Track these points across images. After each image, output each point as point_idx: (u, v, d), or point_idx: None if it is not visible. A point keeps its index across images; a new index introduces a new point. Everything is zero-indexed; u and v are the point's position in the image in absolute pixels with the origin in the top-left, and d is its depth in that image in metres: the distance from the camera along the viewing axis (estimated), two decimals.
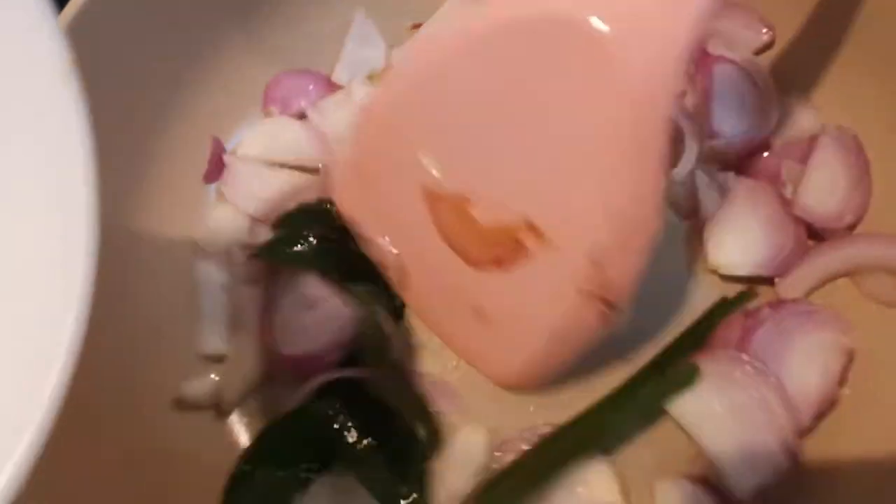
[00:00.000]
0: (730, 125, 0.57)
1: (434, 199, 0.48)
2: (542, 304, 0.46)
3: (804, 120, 0.59)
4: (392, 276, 0.53)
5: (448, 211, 0.48)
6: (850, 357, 0.51)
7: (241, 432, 0.55)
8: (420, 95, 0.47)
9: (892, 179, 0.54)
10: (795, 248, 0.54)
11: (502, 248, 0.46)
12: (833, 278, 0.54)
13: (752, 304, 0.54)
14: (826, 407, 0.50)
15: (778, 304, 0.53)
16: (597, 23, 0.39)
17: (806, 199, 0.55)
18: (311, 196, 0.59)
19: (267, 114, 0.64)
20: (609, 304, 0.44)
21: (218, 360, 0.56)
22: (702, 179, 0.56)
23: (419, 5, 0.65)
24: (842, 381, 0.51)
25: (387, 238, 0.52)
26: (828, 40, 0.57)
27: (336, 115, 0.62)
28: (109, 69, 0.52)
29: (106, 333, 0.50)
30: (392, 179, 0.50)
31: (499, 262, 0.46)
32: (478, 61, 0.44)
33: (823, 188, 0.55)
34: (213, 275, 0.58)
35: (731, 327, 0.52)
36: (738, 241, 0.54)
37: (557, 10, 0.40)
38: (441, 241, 0.48)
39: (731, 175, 0.57)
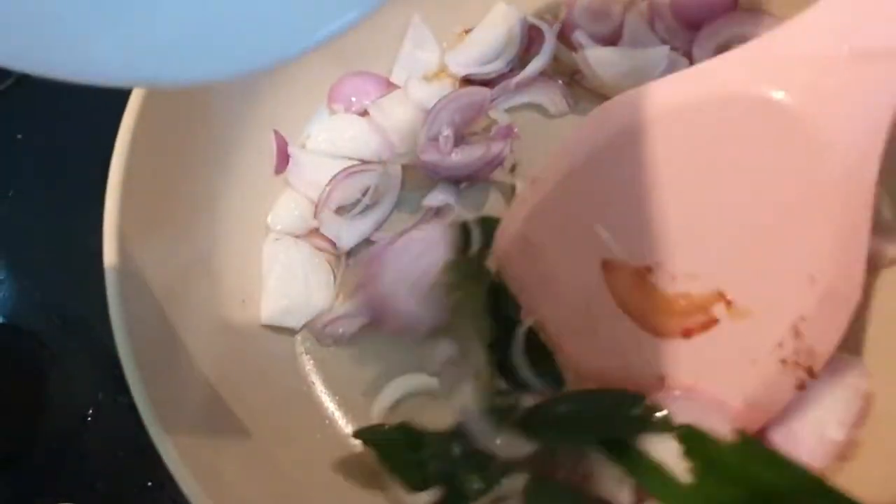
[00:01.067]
0: None
1: (613, 269, 0.47)
2: (736, 372, 0.44)
3: None
4: (557, 348, 0.52)
5: (629, 282, 0.46)
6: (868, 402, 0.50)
7: None
8: (598, 168, 0.46)
9: None
10: None
11: (692, 318, 0.45)
12: None
13: None
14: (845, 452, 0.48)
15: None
16: (785, 99, 0.39)
17: None
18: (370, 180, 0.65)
19: (332, 111, 0.71)
20: (809, 372, 0.42)
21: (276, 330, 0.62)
22: None
23: (470, 12, 0.72)
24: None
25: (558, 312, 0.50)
26: None
27: (394, 112, 0.68)
28: None
29: (191, 299, 0.57)
30: (565, 251, 0.49)
31: (687, 332, 0.45)
32: (661, 136, 0.44)
33: None
34: (278, 254, 0.64)
35: None
36: None
37: (742, 88, 0.40)
38: (619, 311, 0.47)
39: None
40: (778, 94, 0.40)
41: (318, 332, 0.61)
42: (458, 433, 0.54)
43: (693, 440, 0.45)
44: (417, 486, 0.51)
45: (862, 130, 0.38)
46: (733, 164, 0.42)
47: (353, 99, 0.70)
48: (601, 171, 0.46)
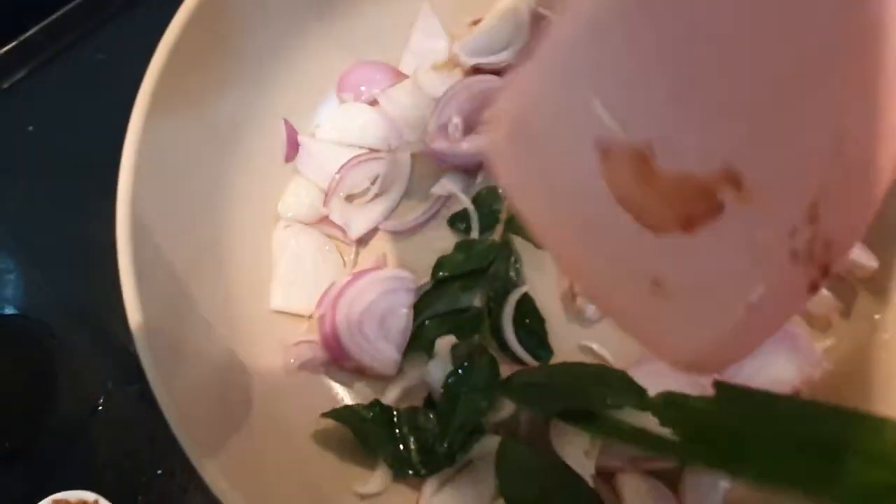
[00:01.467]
0: None
1: (609, 154, 0.40)
2: (740, 271, 0.37)
3: None
4: (551, 246, 0.47)
5: (625, 167, 0.40)
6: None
7: None
8: (596, 38, 0.40)
9: None
10: None
11: (691, 206, 0.38)
12: None
13: None
14: None
15: None
16: None
17: None
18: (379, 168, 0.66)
19: (341, 100, 0.71)
20: (823, 269, 0.36)
21: (285, 316, 0.62)
22: None
23: (479, 2, 0.72)
24: None
25: (549, 202, 0.45)
26: None
27: (403, 101, 0.69)
28: (210, 62, 0.60)
29: (202, 285, 0.57)
30: (557, 133, 0.42)
31: (686, 224, 0.38)
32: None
33: None
34: (287, 240, 0.64)
35: None
36: None
37: None
38: (614, 203, 0.41)
39: None
40: None
41: (290, 352, 0.60)
42: (427, 406, 0.56)
43: (671, 406, 0.45)
44: (396, 459, 0.53)
45: None
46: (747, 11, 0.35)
47: (363, 88, 0.70)
48: (595, 39, 0.40)
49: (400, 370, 0.59)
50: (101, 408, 0.65)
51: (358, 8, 0.70)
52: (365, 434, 0.54)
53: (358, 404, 0.56)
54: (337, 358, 0.59)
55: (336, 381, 0.60)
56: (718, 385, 0.44)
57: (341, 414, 0.55)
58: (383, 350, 0.59)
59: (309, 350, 0.59)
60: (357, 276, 0.60)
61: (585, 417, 0.48)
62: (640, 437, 0.45)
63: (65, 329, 0.68)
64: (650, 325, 0.42)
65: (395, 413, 0.55)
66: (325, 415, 0.55)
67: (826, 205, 0.34)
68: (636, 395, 0.47)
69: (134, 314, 0.48)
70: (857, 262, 0.56)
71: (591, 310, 0.60)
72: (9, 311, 0.70)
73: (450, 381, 0.54)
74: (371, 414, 0.55)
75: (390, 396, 0.58)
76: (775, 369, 0.54)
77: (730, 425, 0.42)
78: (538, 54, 0.43)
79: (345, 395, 0.60)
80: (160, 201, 0.54)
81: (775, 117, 0.35)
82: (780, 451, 0.40)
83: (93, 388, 0.66)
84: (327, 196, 0.65)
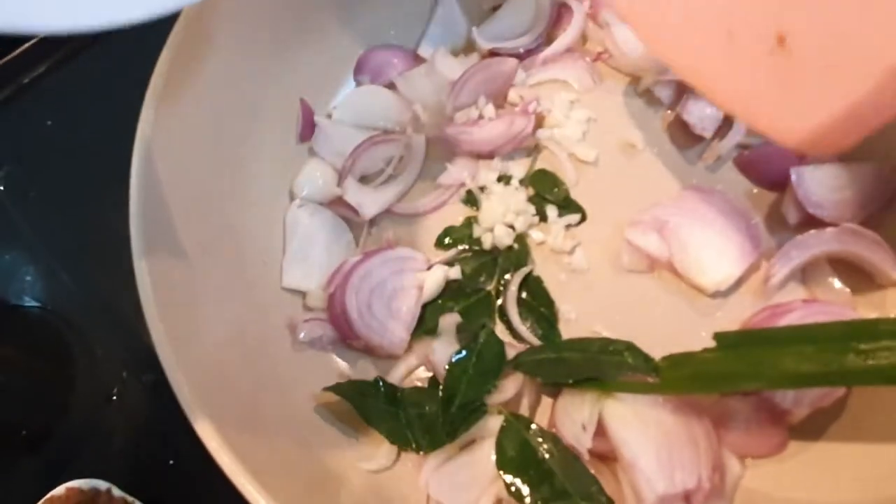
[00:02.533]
0: None
1: None
2: (882, 32, 0.32)
3: None
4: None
5: None
6: None
7: None
8: None
9: None
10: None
11: None
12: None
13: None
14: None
15: (812, 300, 0.57)
16: None
17: None
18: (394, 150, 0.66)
19: (358, 83, 0.71)
20: None
21: (296, 293, 0.63)
22: None
23: None
24: None
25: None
26: None
27: (420, 84, 0.69)
28: (230, 44, 0.60)
29: (216, 259, 0.58)
30: None
31: None
32: None
33: None
34: (301, 218, 0.65)
35: (759, 315, 0.56)
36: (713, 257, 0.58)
37: None
38: None
39: None
40: None
41: (298, 328, 0.61)
42: (432, 386, 0.57)
43: (676, 366, 0.50)
44: (397, 434, 0.54)
45: None
46: None
47: (380, 71, 0.71)
48: None
49: (408, 350, 0.59)
50: (115, 398, 0.66)
51: None
52: (366, 409, 0.54)
53: (361, 381, 0.56)
54: (346, 336, 0.59)
55: (343, 359, 0.61)
56: (718, 336, 0.49)
57: (343, 388, 0.55)
58: (392, 329, 0.59)
59: (318, 327, 0.60)
60: (367, 255, 0.61)
61: (595, 382, 0.52)
62: (642, 388, 0.51)
63: (82, 320, 0.70)
64: (764, 94, 0.38)
65: (398, 392, 0.55)
66: (327, 389, 0.55)
67: None
68: (643, 360, 0.51)
69: (146, 293, 0.49)
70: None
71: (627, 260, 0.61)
72: (28, 302, 0.71)
73: (454, 360, 0.54)
74: (374, 390, 0.55)
75: (396, 375, 0.59)
76: None
77: (729, 368, 0.48)
78: None
79: (351, 374, 0.60)
80: (174, 183, 0.55)
81: None
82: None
83: (109, 378, 0.67)
84: (341, 176, 0.65)
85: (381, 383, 0.56)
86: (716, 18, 0.40)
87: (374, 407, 0.54)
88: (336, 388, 0.55)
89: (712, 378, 0.49)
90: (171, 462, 0.62)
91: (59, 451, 0.64)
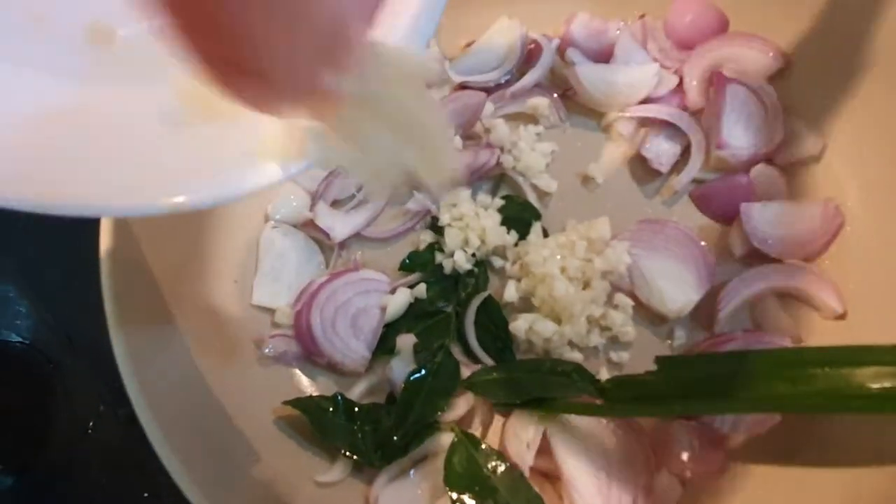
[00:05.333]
0: (736, 138, 0.64)
1: None
2: None
3: (808, 142, 0.64)
4: None
5: None
6: None
7: None
8: None
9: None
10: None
11: None
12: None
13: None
14: None
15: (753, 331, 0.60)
16: None
17: None
18: None
19: None
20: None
21: (267, 311, 0.65)
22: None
23: (474, 26, 0.75)
24: None
25: None
26: (838, 71, 0.63)
27: None
28: None
29: (186, 279, 0.60)
30: None
31: None
32: None
33: None
34: (274, 239, 0.67)
35: (704, 344, 0.59)
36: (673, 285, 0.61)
37: None
38: None
39: None
40: None
41: (264, 343, 0.63)
42: (389, 402, 0.59)
43: (620, 387, 0.52)
44: (353, 448, 0.56)
45: None
46: None
47: None
48: None
49: (368, 368, 0.62)
50: (91, 430, 0.67)
51: None
52: (323, 425, 0.57)
53: (320, 395, 0.59)
54: (310, 352, 0.62)
55: (307, 374, 0.63)
56: (658, 360, 0.52)
57: (303, 403, 0.58)
58: (354, 347, 0.61)
59: (283, 343, 0.62)
60: (334, 276, 0.63)
61: (542, 403, 0.54)
62: (585, 410, 0.53)
63: (62, 355, 0.71)
64: None
65: (356, 407, 0.58)
66: (287, 403, 0.57)
67: None
68: (590, 381, 0.53)
69: (113, 317, 0.51)
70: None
71: None
72: (8, 336, 0.72)
73: (411, 378, 0.56)
74: (331, 406, 0.57)
75: (356, 391, 0.61)
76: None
77: (669, 390, 0.50)
78: None
79: (313, 390, 0.62)
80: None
81: None
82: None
83: (85, 411, 0.68)
84: (314, 200, 0.68)
85: (339, 399, 0.58)
86: None
87: (330, 422, 0.57)
88: (295, 403, 0.57)
89: (652, 401, 0.51)
90: (146, 495, 0.64)
91: (36, 486, 0.66)
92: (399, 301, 0.63)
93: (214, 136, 0.35)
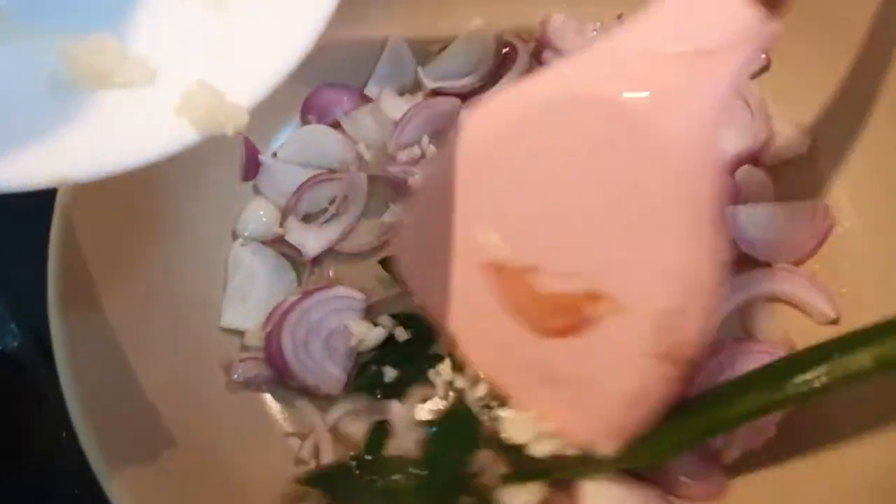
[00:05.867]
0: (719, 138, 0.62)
1: (496, 270, 0.48)
2: (614, 367, 0.46)
3: (795, 141, 0.63)
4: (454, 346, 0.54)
5: (510, 282, 0.48)
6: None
7: None
8: (473, 172, 0.48)
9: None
10: None
11: (567, 317, 0.46)
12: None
13: None
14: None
15: (742, 339, 0.57)
16: (630, 98, 0.41)
17: None
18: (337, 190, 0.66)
19: (305, 122, 0.71)
20: (682, 361, 0.44)
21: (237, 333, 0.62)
22: None
23: (448, 30, 0.73)
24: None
25: (448, 310, 0.52)
26: (822, 67, 0.61)
27: (366, 124, 0.69)
28: None
29: (152, 302, 0.58)
30: (449, 252, 0.50)
31: (566, 331, 0.46)
32: (526, 137, 0.46)
33: None
34: (243, 258, 0.64)
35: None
36: None
37: (591, 90, 0.42)
38: (503, 313, 0.49)
39: None
40: (620, 93, 0.41)
41: (233, 368, 0.60)
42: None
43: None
44: None
45: (689, 122, 0.41)
46: (594, 164, 0.44)
47: (327, 110, 0.71)
48: (474, 175, 0.48)
49: (344, 389, 0.59)
50: (63, 440, 0.64)
51: (327, 34, 0.71)
52: (345, 493, 0.55)
53: (331, 465, 0.57)
54: (281, 376, 0.59)
55: (279, 400, 0.60)
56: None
57: (314, 478, 0.55)
58: (328, 369, 0.58)
59: (254, 367, 0.59)
60: (305, 294, 0.60)
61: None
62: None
63: (34, 363, 0.68)
64: (552, 412, 0.50)
65: (379, 464, 0.56)
66: (300, 482, 0.55)
67: (669, 318, 0.43)
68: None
69: (59, 344, 0.49)
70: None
71: None
72: None
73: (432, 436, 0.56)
74: (346, 471, 0.56)
75: (333, 416, 0.58)
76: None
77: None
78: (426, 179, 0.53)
79: (285, 416, 0.60)
80: (103, 228, 0.54)
81: (626, 253, 0.44)
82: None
83: (58, 421, 0.65)
84: (284, 215, 0.65)
85: (354, 463, 0.56)
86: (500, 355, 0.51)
87: (352, 487, 0.55)
88: (308, 481, 0.55)
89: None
90: None
91: (9, 497, 0.64)
92: (375, 336, 0.60)
93: (109, 104, 0.35)
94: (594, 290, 0.44)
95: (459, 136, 0.49)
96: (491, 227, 0.48)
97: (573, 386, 0.48)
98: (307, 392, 0.59)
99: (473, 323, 0.51)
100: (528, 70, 0.71)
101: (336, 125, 0.71)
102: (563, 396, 0.48)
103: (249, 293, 0.63)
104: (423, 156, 0.66)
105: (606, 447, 0.47)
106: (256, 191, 0.68)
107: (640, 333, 0.43)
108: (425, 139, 0.67)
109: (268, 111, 0.67)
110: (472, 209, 0.49)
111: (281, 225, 0.65)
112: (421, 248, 0.53)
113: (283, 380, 0.59)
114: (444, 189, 0.49)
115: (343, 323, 0.60)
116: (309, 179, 0.66)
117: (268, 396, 0.60)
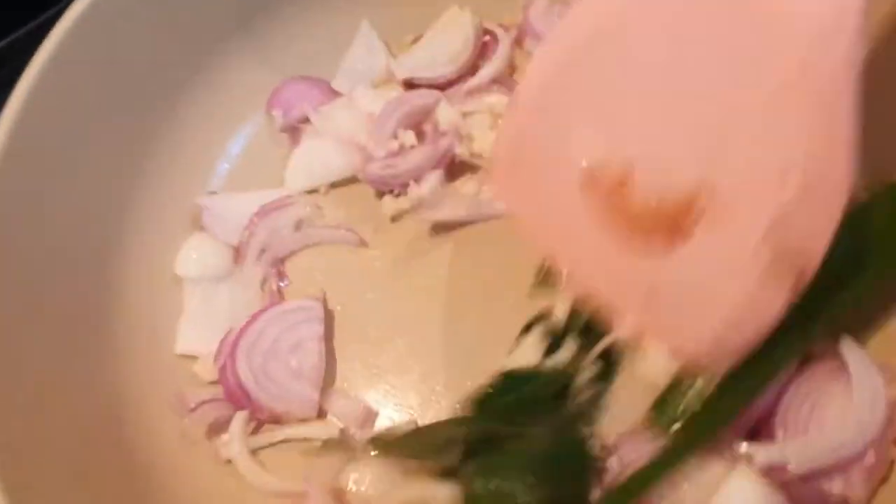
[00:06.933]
0: None
1: (593, 184, 0.45)
2: (721, 279, 0.42)
3: None
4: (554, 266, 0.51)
5: (608, 198, 0.44)
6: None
7: None
8: (571, 74, 0.45)
9: None
10: None
11: (667, 231, 0.42)
12: None
13: None
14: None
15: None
16: None
17: None
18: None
19: (270, 117, 0.66)
20: (800, 274, 0.39)
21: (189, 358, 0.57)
22: None
23: (420, 20, 0.67)
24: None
25: (548, 230, 0.49)
26: None
27: (339, 119, 0.64)
28: (112, 74, 0.55)
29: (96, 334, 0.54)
30: (549, 165, 0.47)
31: (670, 238, 0.42)
32: (632, 30, 0.42)
33: None
34: (195, 291, 0.59)
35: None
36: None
37: None
38: (603, 230, 0.45)
39: None
40: None
41: (188, 415, 0.53)
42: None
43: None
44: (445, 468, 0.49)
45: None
46: (707, 48, 0.40)
47: (294, 105, 0.65)
48: (573, 77, 0.45)
49: (320, 410, 0.53)
50: None
51: (288, 21, 0.65)
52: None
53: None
54: (245, 409, 0.53)
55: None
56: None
57: None
58: (297, 391, 0.53)
59: (213, 410, 0.53)
60: (255, 316, 0.55)
61: None
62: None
63: None
64: (653, 327, 0.46)
65: None
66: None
67: (789, 220, 0.38)
68: None
69: None
70: None
71: None
72: None
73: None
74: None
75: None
76: None
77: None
78: (520, 92, 0.48)
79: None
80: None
81: (736, 149, 0.40)
82: None
83: None
84: (240, 254, 0.60)
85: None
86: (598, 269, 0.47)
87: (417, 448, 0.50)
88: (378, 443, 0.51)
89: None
90: None
91: None
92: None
93: None
94: (697, 190, 0.41)
95: (556, 39, 0.46)
96: (593, 129, 0.45)
97: (680, 300, 0.44)
98: (279, 421, 0.53)
99: (574, 241, 0.47)
100: (509, 60, 0.65)
101: (304, 120, 0.65)
102: (669, 312, 0.45)
103: (206, 315, 0.58)
104: (401, 147, 0.61)
105: (714, 365, 0.46)
106: (200, 228, 0.62)
107: (754, 237, 0.39)
108: (405, 133, 0.61)
109: (226, 108, 0.64)
110: (572, 114, 0.45)
111: (237, 263, 0.60)
112: (518, 167, 0.49)
113: (250, 414, 0.53)
114: (539, 99, 0.46)
115: (301, 337, 0.54)
116: (260, 210, 0.61)
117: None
